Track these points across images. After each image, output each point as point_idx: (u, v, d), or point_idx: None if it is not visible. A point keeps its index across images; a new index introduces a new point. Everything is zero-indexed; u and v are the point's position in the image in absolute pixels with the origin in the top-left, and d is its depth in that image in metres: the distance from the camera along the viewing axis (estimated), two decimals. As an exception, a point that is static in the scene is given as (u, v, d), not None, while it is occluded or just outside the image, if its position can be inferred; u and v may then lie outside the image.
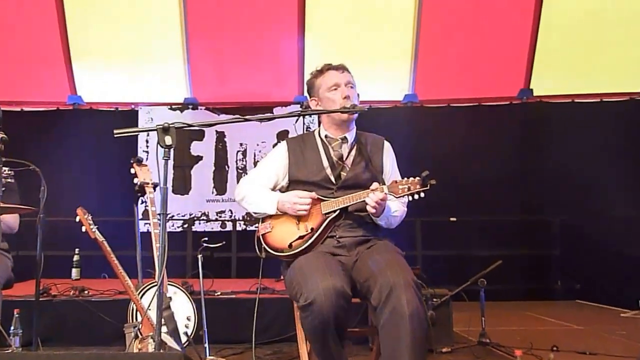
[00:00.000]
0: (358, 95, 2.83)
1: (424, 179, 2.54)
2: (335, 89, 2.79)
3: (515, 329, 5.13)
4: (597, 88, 7.09)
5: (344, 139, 2.85)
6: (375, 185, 2.63)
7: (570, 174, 6.68)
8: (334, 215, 2.71)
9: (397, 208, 2.80)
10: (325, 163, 2.81)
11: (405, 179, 2.60)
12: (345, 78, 2.81)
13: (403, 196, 2.58)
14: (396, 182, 2.61)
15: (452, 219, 6.94)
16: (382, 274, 2.44)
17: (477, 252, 6.65)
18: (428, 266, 6.50)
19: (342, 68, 2.84)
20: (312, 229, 2.70)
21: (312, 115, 6.47)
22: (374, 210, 2.62)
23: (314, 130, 2.95)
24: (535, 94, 7.25)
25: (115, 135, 2.22)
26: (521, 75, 7.12)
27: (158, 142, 2.20)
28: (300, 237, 2.70)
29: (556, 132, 7.06)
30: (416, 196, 2.57)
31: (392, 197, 2.63)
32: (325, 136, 2.88)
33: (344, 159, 2.82)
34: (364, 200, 2.62)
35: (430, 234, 7.00)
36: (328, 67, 2.84)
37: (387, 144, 2.91)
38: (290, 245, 2.69)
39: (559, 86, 7.14)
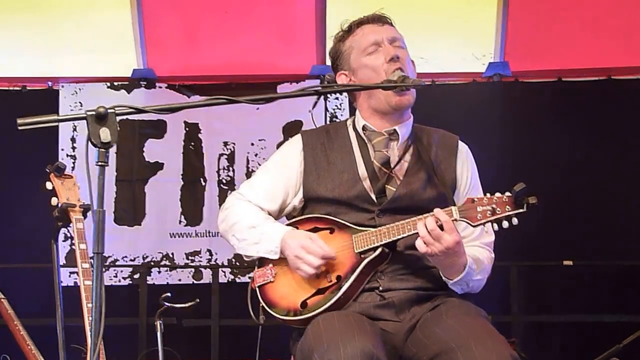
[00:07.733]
0: (413, 62, 2.46)
1: (517, 196, 2.17)
2: (375, 50, 2.41)
3: None
4: None
5: (393, 134, 2.45)
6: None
7: None
8: (374, 255, 2.33)
9: (480, 259, 2.44)
10: (362, 171, 2.43)
11: (488, 195, 2.23)
12: (388, 32, 2.44)
13: (484, 224, 2.24)
14: (473, 200, 2.25)
15: (567, 262, 5.96)
16: (464, 348, 2.04)
17: (608, 315, 5.84)
18: (530, 338, 5.81)
19: (382, 20, 2.46)
20: (339, 277, 2.33)
21: (340, 97, 6.00)
22: (424, 249, 2.21)
23: (347, 120, 2.60)
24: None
25: (20, 128, 1.82)
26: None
27: (89, 139, 1.83)
28: (320, 291, 2.34)
29: None
30: (505, 224, 2.20)
31: (467, 227, 2.29)
32: (364, 128, 2.49)
33: (393, 165, 2.43)
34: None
35: (533, 286, 6.05)
36: (359, 22, 2.48)
37: (462, 146, 2.54)
38: (304, 304, 2.32)
39: None
